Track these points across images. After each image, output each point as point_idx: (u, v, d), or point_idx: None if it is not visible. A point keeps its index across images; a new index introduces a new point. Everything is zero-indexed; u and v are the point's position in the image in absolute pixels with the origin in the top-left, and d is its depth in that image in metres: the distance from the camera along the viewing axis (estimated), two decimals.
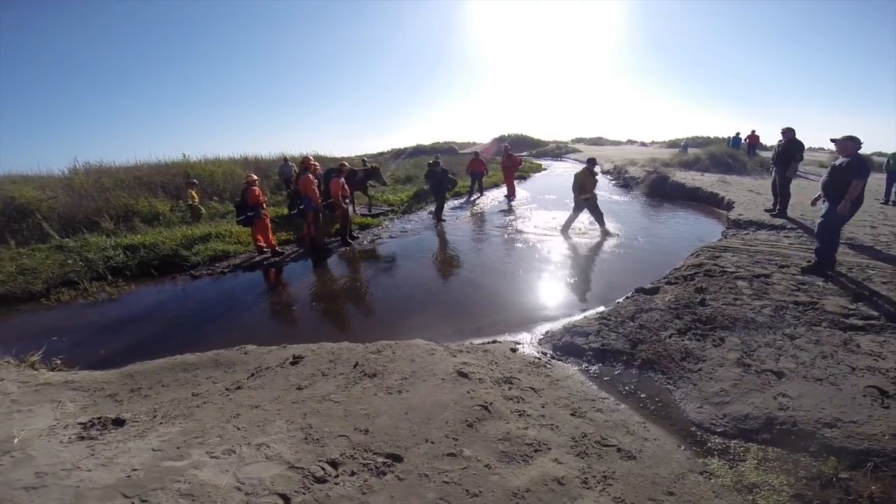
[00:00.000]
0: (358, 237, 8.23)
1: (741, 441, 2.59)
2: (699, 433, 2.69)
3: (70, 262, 6.38)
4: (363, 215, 9.86)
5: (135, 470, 2.04)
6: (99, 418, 2.59)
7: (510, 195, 12.54)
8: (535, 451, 2.33)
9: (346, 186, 7.60)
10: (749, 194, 10.73)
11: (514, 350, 3.66)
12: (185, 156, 13.33)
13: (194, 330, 4.63)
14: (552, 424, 2.59)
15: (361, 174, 10.23)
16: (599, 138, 46.78)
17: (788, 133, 7.77)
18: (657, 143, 37.52)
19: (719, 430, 2.70)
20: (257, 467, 2.09)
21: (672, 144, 30.40)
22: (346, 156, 19.12)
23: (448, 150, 32.54)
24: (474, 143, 37.63)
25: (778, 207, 8.12)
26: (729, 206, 9.83)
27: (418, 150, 31.89)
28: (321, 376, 3.06)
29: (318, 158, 13.05)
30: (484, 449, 2.31)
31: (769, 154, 13.39)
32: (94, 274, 6.19)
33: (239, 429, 2.41)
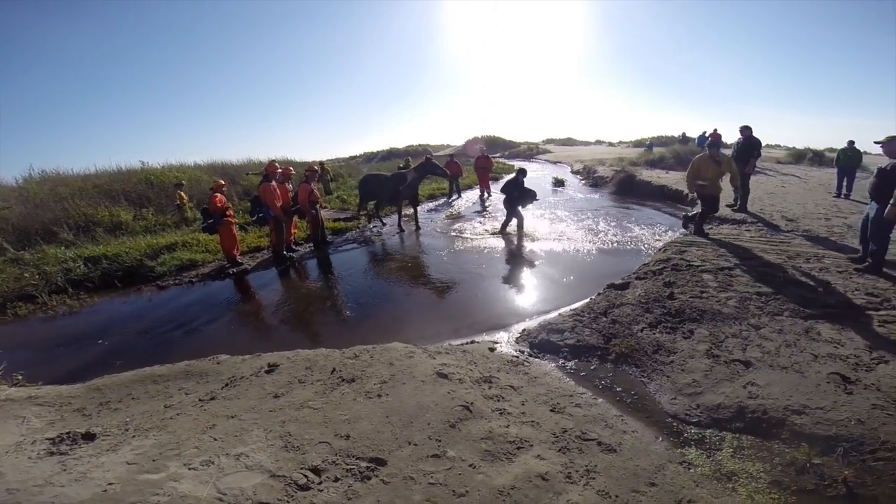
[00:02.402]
0: (332, 241, 8.14)
1: (716, 430, 2.67)
2: (675, 424, 2.76)
3: (27, 275, 6.06)
4: (335, 219, 9.70)
5: (111, 484, 1.97)
6: (68, 433, 2.50)
7: (485, 194, 12.75)
8: (518, 448, 2.35)
9: (315, 192, 7.47)
10: None
11: (492, 349, 3.69)
12: (143, 163, 12.86)
13: (163, 341, 4.48)
14: (533, 421, 2.62)
15: (412, 175, 8.76)
16: (569, 139, 47.69)
17: (746, 131, 8.12)
18: (624, 142, 38.52)
19: (694, 420, 2.77)
20: (238, 477, 2.04)
21: (638, 144, 31.29)
22: (318, 160, 18.85)
23: (422, 152, 32.56)
24: (448, 146, 37.84)
25: (739, 203, 8.48)
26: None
27: (391, 154, 31.85)
28: (298, 384, 3.02)
29: (288, 163, 12.80)
30: (467, 449, 2.32)
31: (729, 152, 13.96)
32: (54, 287, 5.90)
33: (216, 439, 2.35)
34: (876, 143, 4.95)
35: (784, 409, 2.73)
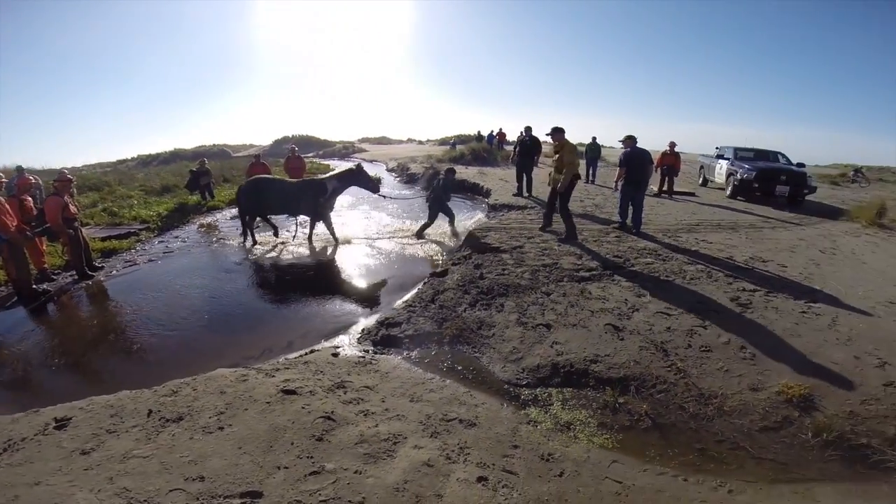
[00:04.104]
0: (103, 266, 6.51)
1: (543, 388, 3.14)
2: (511, 389, 3.16)
3: None
4: (105, 238, 7.63)
5: None
6: None
7: None
8: (395, 443, 2.43)
9: (70, 206, 5.87)
10: (500, 182, 12.94)
11: (335, 355, 3.62)
12: None
13: None
14: (398, 415, 2.71)
15: (335, 184, 7.32)
16: (384, 137, 48.87)
17: (528, 130, 9.94)
18: (432, 140, 41.37)
19: (524, 383, 3.21)
20: None
21: (443, 142, 33.94)
22: (74, 166, 14.87)
23: (220, 153, 29.12)
24: (251, 146, 34.56)
25: (528, 191, 10.26)
26: (487, 193, 11.64)
27: (176, 156, 27.36)
28: (107, 434, 2.50)
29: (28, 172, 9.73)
30: (345, 457, 2.29)
31: (510, 148, 16.63)
32: None
33: None
34: (619, 141, 6.91)
35: (583, 360, 3.34)
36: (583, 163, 14.75)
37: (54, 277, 6.00)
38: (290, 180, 7.98)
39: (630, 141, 6.87)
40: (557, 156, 6.56)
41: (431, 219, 7.90)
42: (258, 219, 7.96)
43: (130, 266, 6.62)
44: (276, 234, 7.93)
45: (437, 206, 7.84)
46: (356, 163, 8.26)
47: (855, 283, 4.91)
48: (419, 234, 7.85)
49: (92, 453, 2.33)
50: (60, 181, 5.94)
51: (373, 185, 7.62)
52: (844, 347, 3.49)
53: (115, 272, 6.35)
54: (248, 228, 7.51)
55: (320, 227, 7.56)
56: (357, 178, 7.44)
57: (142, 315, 4.85)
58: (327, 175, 7.78)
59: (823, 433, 2.62)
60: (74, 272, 6.03)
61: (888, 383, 3.03)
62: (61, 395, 3.16)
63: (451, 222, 8.16)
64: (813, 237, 7.13)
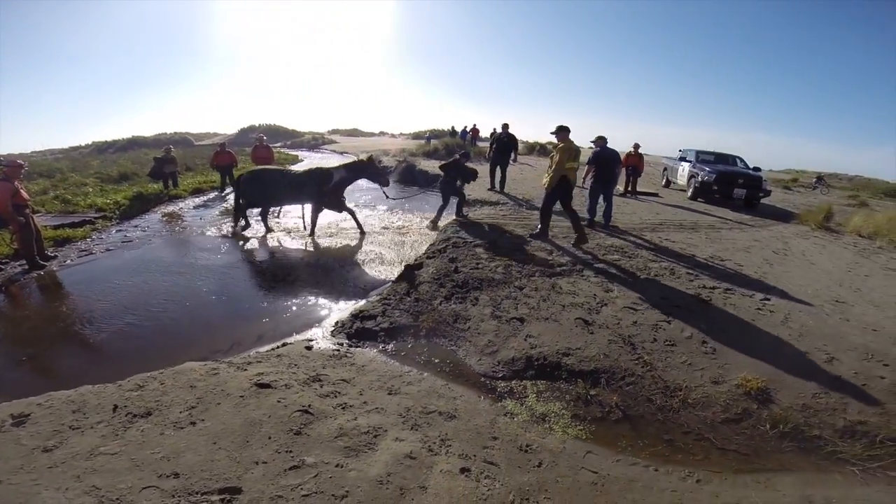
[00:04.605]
0: (55, 256, 6.14)
1: (518, 381, 3.20)
2: (488, 382, 3.21)
3: None
4: (57, 226, 7.17)
5: None
6: None
7: None
8: (375, 436, 2.41)
9: (22, 192, 5.51)
10: None
11: (309, 348, 3.55)
12: None
13: None
14: (377, 408, 2.70)
15: (342, 173, 7.03)
16: (355, 129, 48.38)
17: (505, 127, 10.06)
18: (405, 134, 41.11)
19: (500, 375, 3.26)
20: None
21: (417, 136, 33.83)
22: (23, 153, 13.91)
23: (182, 140, 28.09)
24: (215, 134, 33.50)
25: (501, 186, 10.44)
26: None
27: (135, 143, 26.11)
28: (71, 430, 2.38)
29: None
30: (326, 451, 2.26)
31: (485, 144, 16.78)
32: None
33: None
34: (591, 142, 7.07)
35: (556, 353, 3.42)
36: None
37: (2, 267, 5.62)
38: (289, 170, 7.72)
39: (601, 141, 7.14)
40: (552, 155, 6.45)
41: (460, 200, 7.98)
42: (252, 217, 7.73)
43: (86, 256, 6.28)
44: (268, 230, 7.61)
45: (450, 187, 7.85)
46: (368, 154, 8.03)
47: (805, 282, 5.25)
48: (461, 215, 7.88)
49: (55, 451, 2.23)
50: (10, 166, 5.55)
51: (383, 178, 7.37)
52: (796, 343, 3.72)
53: (69, 262, 6.00)
54: (238, 214, 7.38)
55: (360, 217, 7.44)
56: (366, 170, 7.20)
57: (99, 307, 4.58)
58: (336, 164, 7.58)
59: (780, 425, 2.79)
60: (24, 261, 5.67)
61: (836, 377, 3.25)
62: (15, 391, 2.97)
63: (441, 210, 7.95)
64: (767, 238, 7.56)
